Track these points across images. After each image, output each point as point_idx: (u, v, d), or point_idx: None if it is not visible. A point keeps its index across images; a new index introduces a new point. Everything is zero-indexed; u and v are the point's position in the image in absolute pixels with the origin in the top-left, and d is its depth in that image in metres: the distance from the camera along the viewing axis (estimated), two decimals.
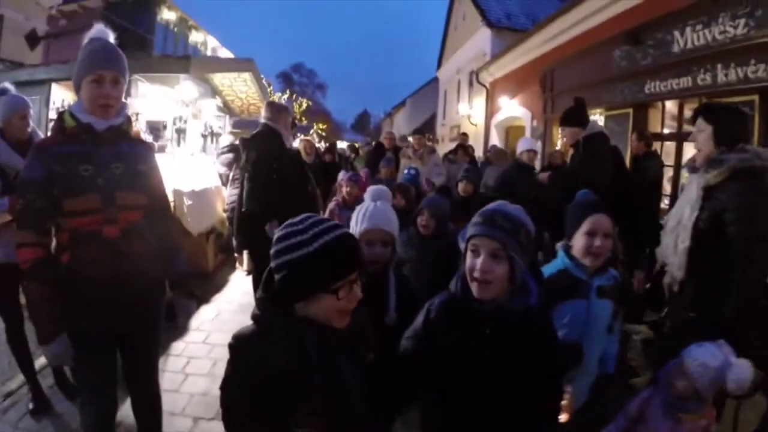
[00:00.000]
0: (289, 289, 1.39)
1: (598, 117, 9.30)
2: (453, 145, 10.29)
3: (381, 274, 2.23)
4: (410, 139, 7.59)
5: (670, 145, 7.68)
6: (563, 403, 2.01)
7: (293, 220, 1.44)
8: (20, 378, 3.69)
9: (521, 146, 6.19)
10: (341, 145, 18.06)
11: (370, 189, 2.50)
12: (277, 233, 1.42)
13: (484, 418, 1.71)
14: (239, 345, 1.42)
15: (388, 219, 2.27)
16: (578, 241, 2.33)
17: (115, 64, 2.29)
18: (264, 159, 4.50)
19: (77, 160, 2.20)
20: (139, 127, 5.98)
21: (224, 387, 1.46)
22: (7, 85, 3.43)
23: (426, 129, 25.21)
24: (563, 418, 2.02)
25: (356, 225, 2.26)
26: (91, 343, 2.28)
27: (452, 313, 1.79)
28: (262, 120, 4.77)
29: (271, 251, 1.41)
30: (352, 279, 1.41)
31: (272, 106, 4.84)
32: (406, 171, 5.66)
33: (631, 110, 8.51)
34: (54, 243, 2.27)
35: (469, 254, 1.72)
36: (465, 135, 11.15)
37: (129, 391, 2.65)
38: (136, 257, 2.33)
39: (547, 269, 2.41)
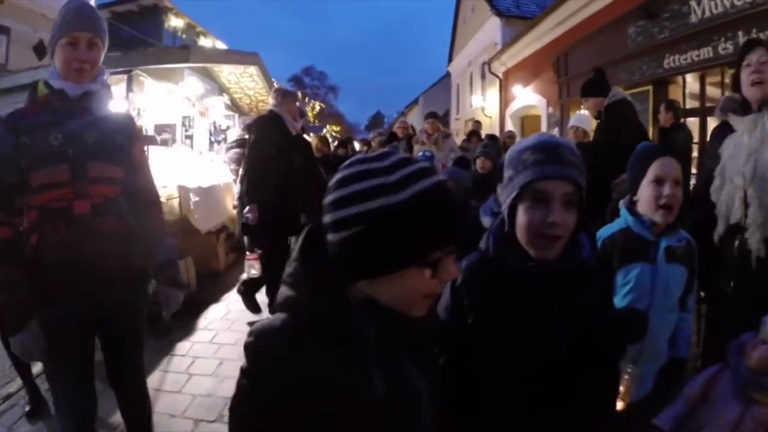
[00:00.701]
0: (360, 258, 0.90)
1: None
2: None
3: None
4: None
5: (693, 121, 7.38)
6: (621, 388, 1.68)
7: (366, 155, 0.96)
8: (20, 381, 3.52)
9: (570, 122, 5.93)
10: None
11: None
12: (342, 172, 0.94)
13: (530, 408, 1.32)
14: (264, 345, 0.92)
15: None
16: (644, 193, 1.95)
17: (90, 25, 2.08)
18: (263, 143, 4.38)
19: (47, 129, 2.00)
20: (143, 125, 5.79)
21: (237, 408, 0.99)
22: None
23: (441, 125, 25.01)
24: (619, 406, 1.67)
25: None
26: (64, 335, 2.05)
27: (485, 278, 1.39)
28: (268, 107, 4.66)
29: (328, 199, 0.94)
30: (451, 248, 0.96)
31: (277, 93, 4.73)
32: (420, 153, 5.40)
33: (650, 87, 8.25)
34: (24, 224, 2.06)
35: (525, 205, 1.31)
36: (478, 122, 10.91)
37: (114, 391, 2.40)
38: (111, 237, 2.10)
39: (607, 230, 2.09)
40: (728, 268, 2.34)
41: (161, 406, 3.43)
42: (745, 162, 2.23)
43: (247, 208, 4.38)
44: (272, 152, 4.34)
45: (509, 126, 15.56)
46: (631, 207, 2.02)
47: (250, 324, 4.76)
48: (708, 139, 2.62)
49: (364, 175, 0.90)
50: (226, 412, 2.69)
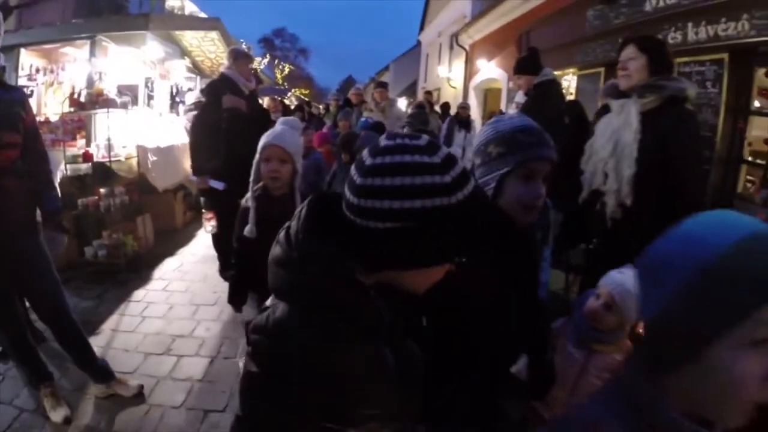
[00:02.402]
0: (407, 251, 0.91)
1: (570, 77, 9.54)
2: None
3: (288, 196, 2.44)
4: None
5: None
6: None
7: (409, 142, 0.92)
8: None
9: (515, 98, 6.22)
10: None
11: (280, 119, 2.65)
12: (385, 156, 0.90)
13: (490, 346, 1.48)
14: (290, 344, 0.91)
15: (284, 138, 2.40)
16: None
17: None
18: (212, 106, 4.58)
19: None
20: (104, 88, 6.10)
21: (269, 414, 0.96)
22: None
23: (409, 93, 25.28)
24: None
25: (258, 146, 2.41)
26: None
27: None
28: (221, 69, 4.84)
29: (368, 182, 0.90)
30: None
31: (231, 54, 4.88)
32: (363, 119, 5.89)
33: (602, 69, 8.50)
34: None
35: (516, 181, 1.46)
36: (428, 93, 11.27)
37: (41, 319, 3.06)
38: (11, 193, 2.64)
39: None
40: (591, 227, 2.81)
41: (117, 343, 3.88)
42: (608, 139, 2.64)
43: (197, 180, 4.66)
44: (223, 115, 4.52)
45: (472, 97, 15.94)
46: None
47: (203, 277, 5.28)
48: None
49: (417, 169, 0.87)
50: (174, 346, 3.27)
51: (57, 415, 2.95)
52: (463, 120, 7.47)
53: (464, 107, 7.70)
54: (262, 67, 25.98)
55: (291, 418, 0.92)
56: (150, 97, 8.27)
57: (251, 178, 2.50)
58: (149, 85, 8.21)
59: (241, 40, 11.04)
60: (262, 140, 2.40)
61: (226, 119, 4.52)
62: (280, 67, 34.98)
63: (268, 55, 30.27)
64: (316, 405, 0.90)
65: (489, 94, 15.66)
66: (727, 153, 4.84)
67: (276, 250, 0.95)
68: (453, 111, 10.49)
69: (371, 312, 0.89)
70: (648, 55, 2.55)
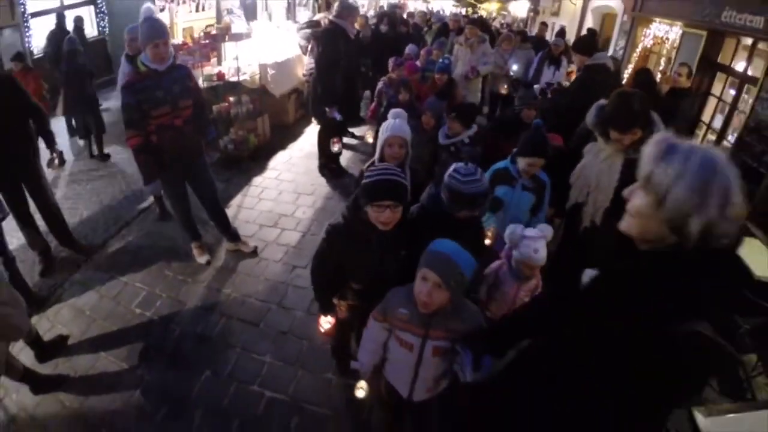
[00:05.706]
0: (361, 197, 2.34)
1: (678, 29, 9.57)
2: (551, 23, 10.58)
3: (400, 167, 3.11)
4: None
5: (733, 82, 7.82)
6: (488, 233, 3.32)
7: (375, 169, 2.39)
8: (149, 200, 6.00)
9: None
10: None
11: (392, 111, 3.48)
12: (368, 172, 2.38)
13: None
14: (332, 231, 2.53)
15: (403, 130, 3.27)
16: (521, 162, 3.55)
17: (163, 34, 3.86)
18: (331, 51, 5.84)
19: (152, 89, 3.91)
20: (230, 21, 7.94)
21: (317, 253, 2.68)
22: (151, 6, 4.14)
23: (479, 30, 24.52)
24: (488, 242, 3.28)
25: (383, 133, 3.29)
26: (171, 181, 4.45)
27: (423, 219, 2.73)
28: (331, 17, 5.98)
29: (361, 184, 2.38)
30: (384, 204, 2.30)
31: (341, 5, 5.93)
32: (440, 60, 6.69)
33: (705, 34, 8.53)
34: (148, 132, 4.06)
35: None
36: (544, 24, 11.53)
37: (203, 205, 4.84)
38: (190, 135, 4.27)
39: (498, 165, 3.71)
40: (574, 221, 3.70)
41: (240, 216, 5.73)
42: (595, 176, 3.41)
43: (328, 109, 6.05)
44: (340, 56, 5.81)
45: (589, 19, 15.90)
46: (513, 158, 3.63)
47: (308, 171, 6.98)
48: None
49: (367, 176, 2.34)
50: (279, 222, 5.91)
51: (202, 259, 4.92)
52: (554, 57, 8.04)
53: (557, 45, 8.08)
54: None
55: (327, 261, 2.67)
56: (269, 15, 10.00)
57: (376, 157, 3.37)
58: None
59: None
60: (387, 132, 3.27)
61: (342, 58, 5.83)
62: None
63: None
64: (334, 259, 2.63)
65: (606, 20, 15.41)
66: None
67: (348, 203, 2.54)
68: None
69: (359, 226, 2.44)
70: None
